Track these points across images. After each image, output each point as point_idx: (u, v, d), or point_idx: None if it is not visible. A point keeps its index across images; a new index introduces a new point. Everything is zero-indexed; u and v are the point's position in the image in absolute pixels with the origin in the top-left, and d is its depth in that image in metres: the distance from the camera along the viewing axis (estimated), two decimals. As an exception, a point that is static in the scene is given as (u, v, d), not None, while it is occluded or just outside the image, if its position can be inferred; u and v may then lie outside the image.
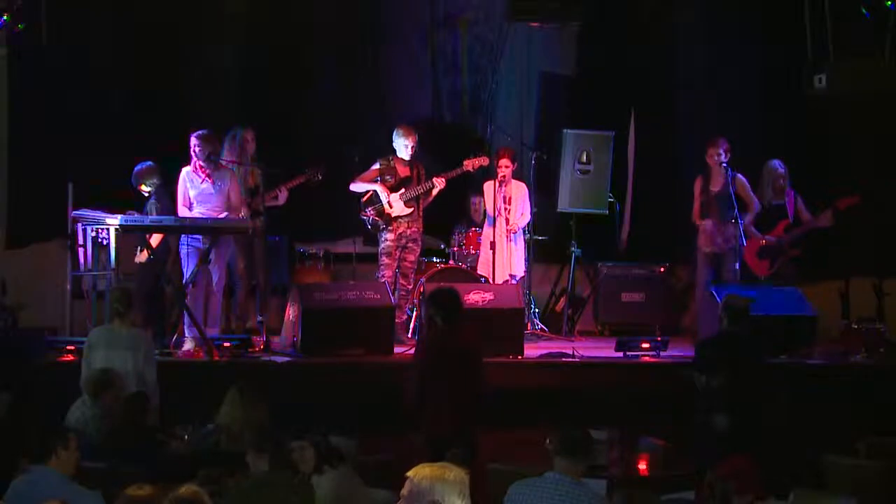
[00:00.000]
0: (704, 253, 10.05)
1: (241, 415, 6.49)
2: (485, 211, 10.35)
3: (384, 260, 9.69)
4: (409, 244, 9.75)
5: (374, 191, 9.73)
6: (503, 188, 10.09)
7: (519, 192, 10.22)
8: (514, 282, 10.04)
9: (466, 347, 7.16)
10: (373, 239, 9.97)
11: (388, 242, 9.70)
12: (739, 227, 9.70)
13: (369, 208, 9.75)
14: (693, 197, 10.08)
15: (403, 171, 9.77)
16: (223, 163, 9.40)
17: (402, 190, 9.72)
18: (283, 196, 9.91)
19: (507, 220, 10.09)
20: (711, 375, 7.20)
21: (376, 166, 9.81)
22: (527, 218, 10.26)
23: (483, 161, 9.96)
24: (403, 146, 9.70)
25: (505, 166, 10.08)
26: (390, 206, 9.69)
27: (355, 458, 6.12)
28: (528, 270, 10.43)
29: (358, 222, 9.92)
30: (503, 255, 10.03)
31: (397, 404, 7.33)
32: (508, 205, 10.10)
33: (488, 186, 10.21)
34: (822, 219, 9.98)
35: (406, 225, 9.72)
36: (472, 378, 7.08)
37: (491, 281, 9.94)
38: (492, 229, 10.13)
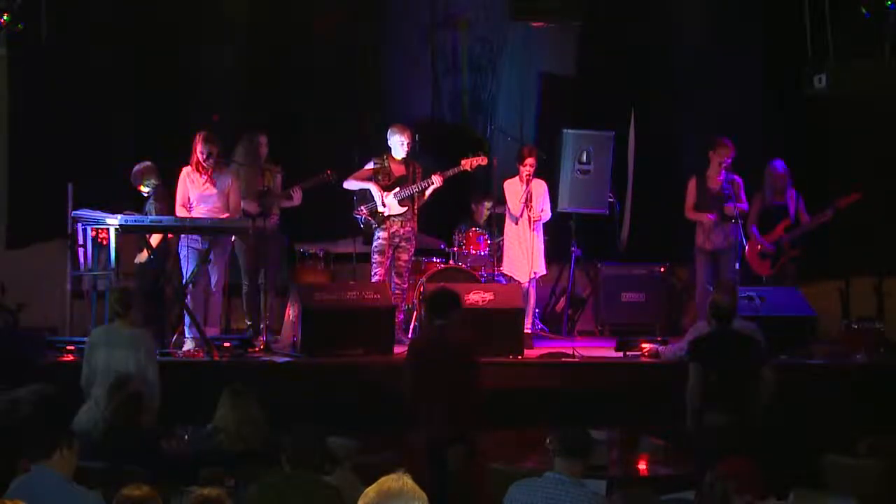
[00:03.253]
0: (704, 251, 10.06)
1: (235, 416, 6.49)
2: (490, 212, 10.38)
3: (376, 258, 9.68)
4: (403, 243, 9.74)
5: (368, 189, 9.72)
6: (529, 186, 10.07)
7: (539, 190, 10.19)
8: (536, 278, 10.04)
9: (460, 347, 7.15)
10: (369, 238, 9.95)
11: (380, 241, 9.69)
12: (739, 227, 9.71)
13: (362, 207, 9.75)
14: (686, 195, 10.10)
15: (398, 170, 9.76)
16: (233, 163, 9.43)
17: (397, 189, 9.70)
18: (297, 196, 9.91)
19: (530, 219, 10.09)
20: (704, 367, 7.22)
21: (370, 165, 9.79)
22: (548, 214, 10.25)
23: (481, 160, 9.92)
24: (399, 143, 9.68)
25: (531, 164, 10.05)
26: (383, 205, 9.67)
27: (355, 458, 6.11)
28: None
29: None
30: (528, 254, 10.00)
31: (397, 404, 7.33)
32: (531, 202, 10.09)
33: (510, 184, 10.16)
34: (822, 217, 9.99)
35: (399, 224, 9.71)
36: (466, 378, 7.07)
37: (514, 279, 9.97)
38: (514, 227, 10.10)
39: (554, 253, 10.96)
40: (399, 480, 3.66)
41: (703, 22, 11.33)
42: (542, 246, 10.17)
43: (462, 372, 7.06)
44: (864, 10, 10.13)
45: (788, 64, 10.82)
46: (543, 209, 10.18)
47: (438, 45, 11.45)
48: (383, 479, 3.67)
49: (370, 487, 3.65)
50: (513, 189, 10.10)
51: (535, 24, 11.29)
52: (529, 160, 10.03)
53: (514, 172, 10.14)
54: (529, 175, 10.03)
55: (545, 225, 10.29)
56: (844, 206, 9.87)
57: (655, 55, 11.47)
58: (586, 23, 11.30)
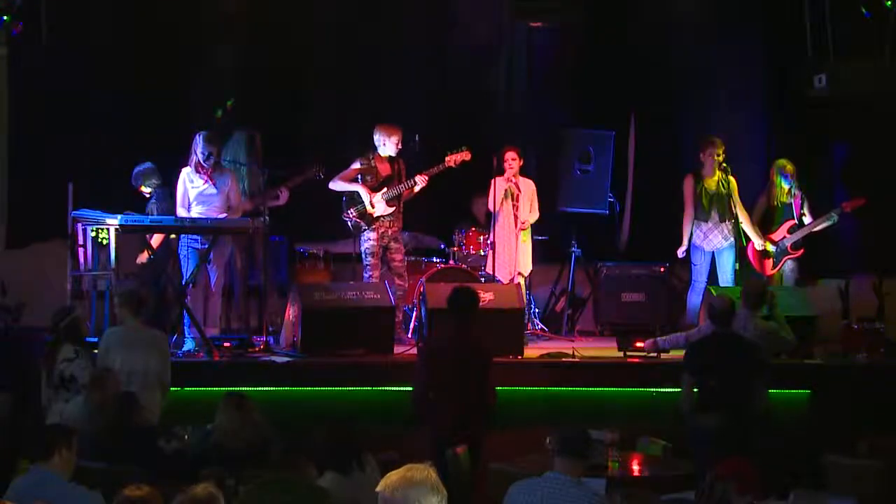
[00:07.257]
0: (701, 252, 10.05)
1: (233, 426, 6.46)
2: (488, 211, 10.38)
3: (369, 260, 9.65)
4: (392, 244, 9.71)
5: (356, 191, 9.71)
6: (513, 182, 10.10)
7: (527, 189, 10.23)
8: (519, 279, 10.05)
9: (475, 349, 7.15)
10: (360, 238, 9.93)
11: (371, 242, 9.66)
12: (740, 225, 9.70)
13: (351, 209, 9.72)
14: (683, 196, 10.06)
15: (385, 170, 9.74)
16: (225, 163, 9.43)
17: (384, 189, 9.68)
18: (284, 196, 9.89)
19: (516, 217, 10.10)
20: (703, 376, 7.21)
21: (356, 165, 9.75)
22: (536, 214, 10.26)
23: (465, 156, 9.86)
24: (392, 143, 9.66)
25: (512, 159, 10.09)
26: (372, 207, 9.65)
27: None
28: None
29: (358, 222, 9.91)
30: (511, 253, 10.01)
31: (398, 404, 7.32)
32: (517, 201, 10.10)
33: (495, 182, 10.18)
34: (829, 222, 9.98)
35: (388, 224, 9.69)
36: (479, 380, 7.06)
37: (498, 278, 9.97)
38: (499, 224, 10.11)
39: (554, 253, 10.97)
40: (424, 472, 3.69)
41: (702, 22, 11.33)
42: (527, 245, 10.19)
43: (477, 372, 7.06)
44: (864, 10, 10.14)
45: (788, 64, 10.82)
46: (531, 209, 10.21)
47: (439, 45, 11.43)
48: (409, 465, 3.70)
49: (393, 472, 3.67)
50: (498, 186, 10.14)
51: (534, 24, 11.28)
52: (509, 154, 10.10)
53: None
54: (514, 171, 10.10)
55: (543, 226, 10.29)
56: (850, 210, 9.87)
57: (655, 55, 11.47)
58: (586, 23, 11.30)
